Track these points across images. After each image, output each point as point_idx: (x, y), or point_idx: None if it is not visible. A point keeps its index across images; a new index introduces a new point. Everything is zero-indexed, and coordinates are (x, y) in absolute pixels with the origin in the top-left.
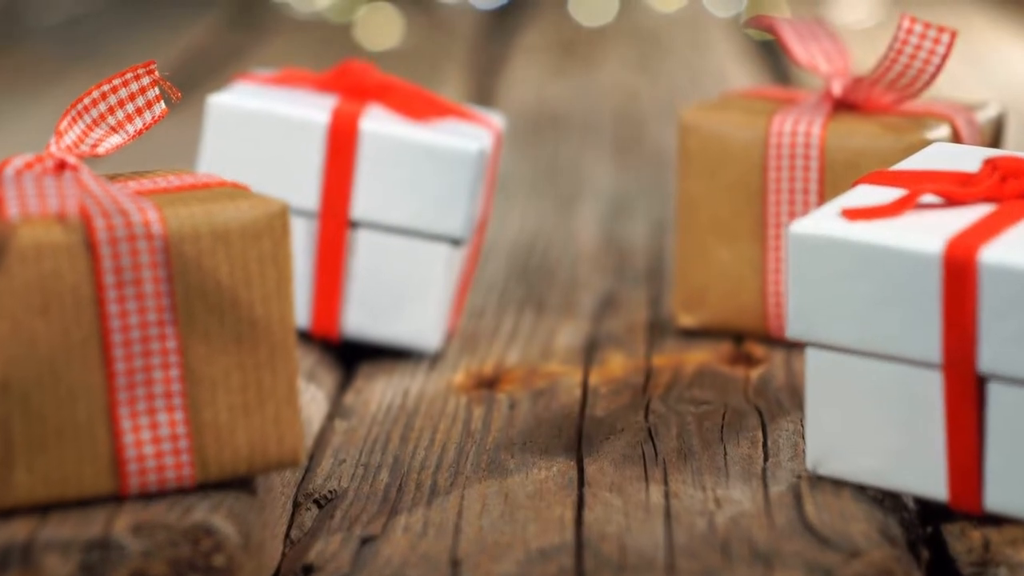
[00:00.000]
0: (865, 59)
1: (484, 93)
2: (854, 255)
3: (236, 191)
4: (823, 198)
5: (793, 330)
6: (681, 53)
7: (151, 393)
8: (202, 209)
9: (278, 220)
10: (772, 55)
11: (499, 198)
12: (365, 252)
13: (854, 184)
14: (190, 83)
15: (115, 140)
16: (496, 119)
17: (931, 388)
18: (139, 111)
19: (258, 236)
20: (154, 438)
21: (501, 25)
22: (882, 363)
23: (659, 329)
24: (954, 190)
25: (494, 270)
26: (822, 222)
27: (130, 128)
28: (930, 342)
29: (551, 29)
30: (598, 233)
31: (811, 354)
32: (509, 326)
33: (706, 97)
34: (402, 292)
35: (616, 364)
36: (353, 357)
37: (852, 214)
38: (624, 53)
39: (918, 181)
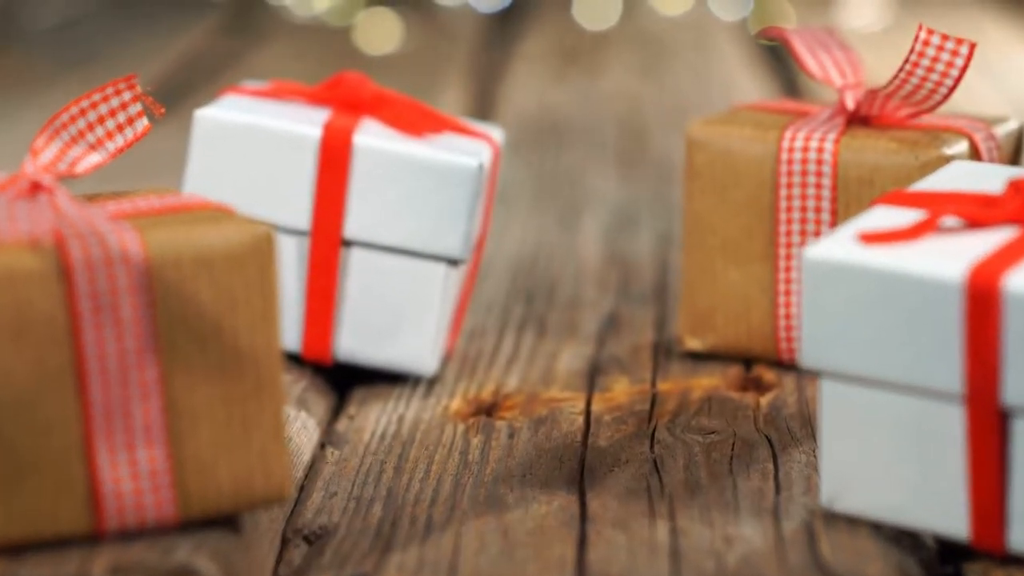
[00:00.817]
0: (872, 65)
1: (485, 99)
2: (871, 282)
3: (220, 213)
4: (836, 216)
5: (807, 359)
6: (686, 58)
7: (130, 426)
8: (184, 233)
9: (264, 244)
10: (779, 60)
11: (499, 210)
12: (359, 272)
13: (870, 204)
14: (185, 89)
15: (94, 159)
16: (495, 133)
17: (952, 421)
18: (120, 128)
19: (243, 261)
20: (133, 473)
21: (502, 29)
22: (901, 395)
23: (665, 352)
24: (976, 212)
25: (493, 287)
26: (838, 247)
27: (110, 146)
28: (951, 373)
29: (553, 33)
30: (601, 247)
31: (826, 385)
32: (508, 348)
33: (712, 104)
34: (397, 314)
35: (620, 390)
36: (346, 381)
37: (869, 238)
38: (628, 58)
39: (938, 202)
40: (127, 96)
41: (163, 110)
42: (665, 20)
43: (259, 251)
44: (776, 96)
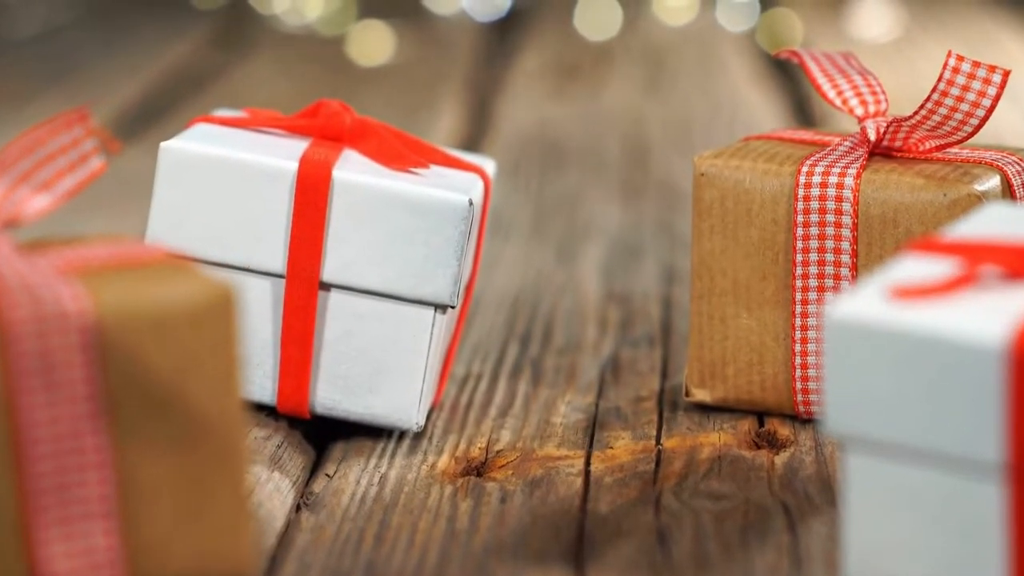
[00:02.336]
0: (885, 77)
1: (482, 113)
2: (903, 346)
3: (179, 267)
4: (857, 258)
5: (831, 426)
6: (692, 73)
7: (75, 502)
8: (137, 290)
9: (224, 303)
10: (788, 75)
11: (492, 240)
12: (338, 318)
13: (897, 250)
14: (170, 104)
15: (42, 201)
16: (487, 165)
17: (989, 499)
18: (71, 167)
19: (201, 322)
20: (78, 554)
21: (501, 39)
22: (933, 469)
23: (670, 403)
24: (1017, 264)
25: (485, 327)
26: (865, 305)
27: (60, 187)
28: (989, 446)
29: (553, 44)
30: (601, 282)
31: (851, 457)
32: (501, 397)
33: (719, 122)
34: (380, 364)
35: (622, 447)
36: (324, 436)
37: (900, 294)
38: (630, 72)
39: (974, 252)
40: (79, 131)
41: (119, 146)
42: (669, 31)
43: (219, 310)
44: (786, 113)
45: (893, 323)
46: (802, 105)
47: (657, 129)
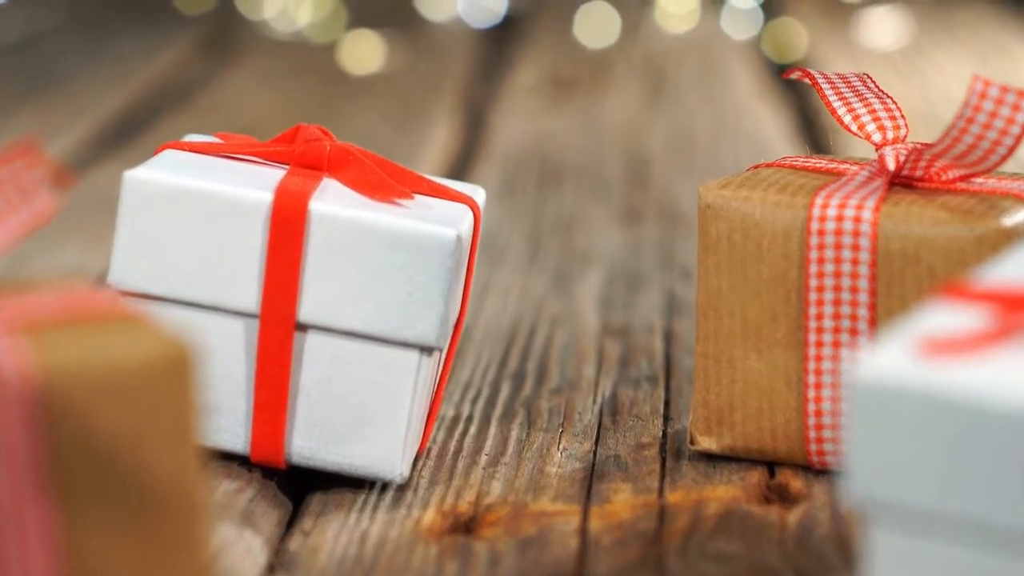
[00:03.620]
0: (895, 89)
1: (475, 128)
2: (937, 409)
3: (132, 320)
4: (876, 297)
5: (855, 494)
6: (694, 84)
7: None
8: (86, 347)
9: (180, 363)
10: (794, 88)
11: (484, 267)
12: (316, 361)
13: (920, 290)
14: (155, 116)
15: None
16: (477, 194)
17: None
18: (12, 206)
19: (154, 383)
20: None
21: (497, 46)
22: (970, 546)
23: (674, 451)
24: None
25: (476, 363)
26: (893, 362)
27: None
28: None
29: (550, 52)
30: (599, 313)
31: (877, 530)
32: (492, 442)
33: (724, 137)
34: (361, 410)
35: (622, 501)
36: (301, 488)
37: (932, 348)
38: (631, 83)
39: (1011, 302)
40: (20, 165)
41: (70, 180)
42: (671, 39)
43: (174, 369)
44: (794, 128)
45: (925, 384)
46: (810, 119)
47: (658, 145)
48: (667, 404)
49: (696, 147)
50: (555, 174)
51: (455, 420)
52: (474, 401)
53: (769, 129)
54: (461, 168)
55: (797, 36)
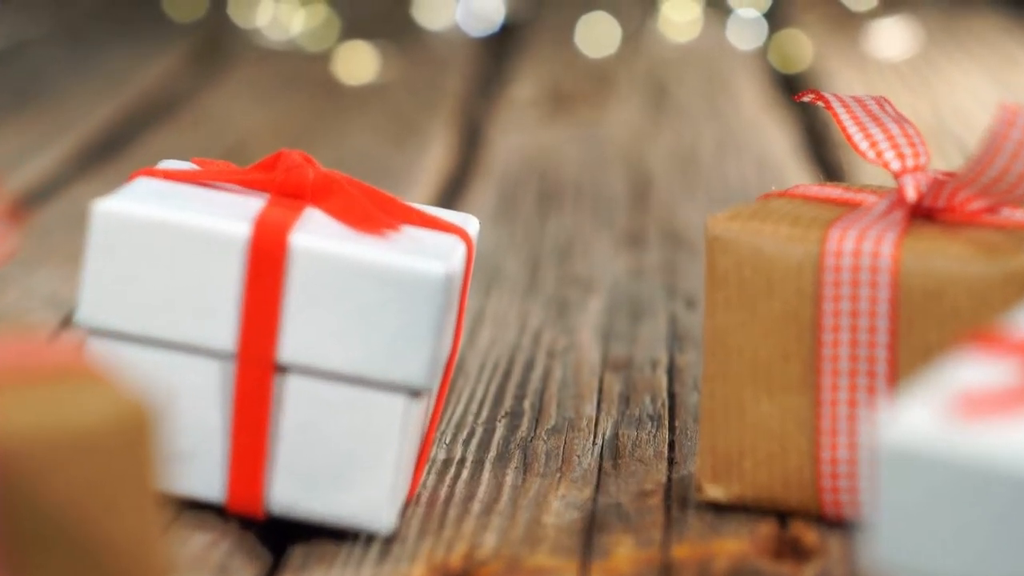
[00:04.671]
0: (902, 99)
1: (472, 141)
2: (970, 477)
3: (90, 378)
4: (896, 338)
5: (877, 559)
6: (698, 97)
7: None
8: (39, 410)
9: (138, 425)
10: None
11: (478, 295)
12: (297, 405)
13: (943, 331)
14: (144, 130)
15: None
16: (469, 224)
17: None
18: None
19: (111, 448)
20: None
21: (496, 56)
22: None
23: (679, 498)
24: None
25: (468, 402)
26: (922, 423)
27: None
28: None
29: (550, 63)
30: (600, 345)
31: None
32: (486, 489)
33: (729, 154)
34: (346, 457)
35: (624, 555)
36: (281, 540)
37: (962, 408)
38: (633, 95)
39: None
40: None
41: (24, 219)
42: (674, 48)
43: (132, 433)
44: (801, 142)
45: (957, 451)
46: (819, 133)
47: (661, 161)
48: (671, 446)
49: (700, 164)
50: (554, 193)
51: (447, 463)
52: (467, 442)
53: (776, 144)
54: (457, 187)
55: (803, 47)
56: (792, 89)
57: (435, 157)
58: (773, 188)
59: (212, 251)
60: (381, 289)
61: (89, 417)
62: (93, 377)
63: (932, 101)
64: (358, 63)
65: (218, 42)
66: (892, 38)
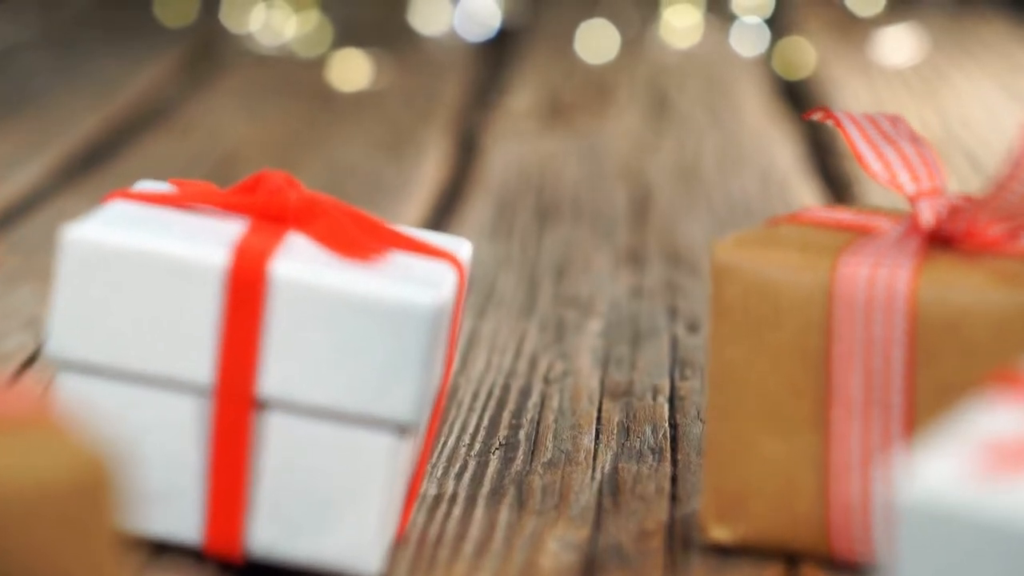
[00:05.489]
0: (908, 108)
1: (466, 157)
2: (996, 536)
3: (47, 430)
4: (914, 372)
5: None
6: (700, 107)
7: None
8: None
9: (97, 483)
10: (805, 109)
11: (470, 317)
12: (278, 442)
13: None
14: (131, 140)
15: None
16: (461, 248)
17: None
18: None
19: (65, 505)
20: None
21: (494, 63)
22: None
23: (682, 538)
24: None
25: (460, 432)
26: (948, 479)
27: None
28: None
29: (548, 70)
30: (599, 370)
31: None
32: (478, 528)
33: (732, 166)
34: (330, 497)
35: None
36: None
37: (990, 461)
38: (633, 105)
39: None
40: None
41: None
42: (675, 54)
43: (89, 491)
44: (806, 152)
45: (987, 511)
46: (824, 143)
47: (661, 175)
48: (674, 481)
49: (702, 176)
50: (552, 207)
51: (438, 500)
52: (459, 476)
53: (780, 155)
54: (452, 200)
55: (807, 53)
56: (796, 97)
57: (430, 169)
58: (780, 213)
59: (188, 280)
60: (366, 321)
61: (44, 473)
62: (51, 428)
63: (939, 109)
64: (352, 69)
65: (209, 48)
66: (898, 45)
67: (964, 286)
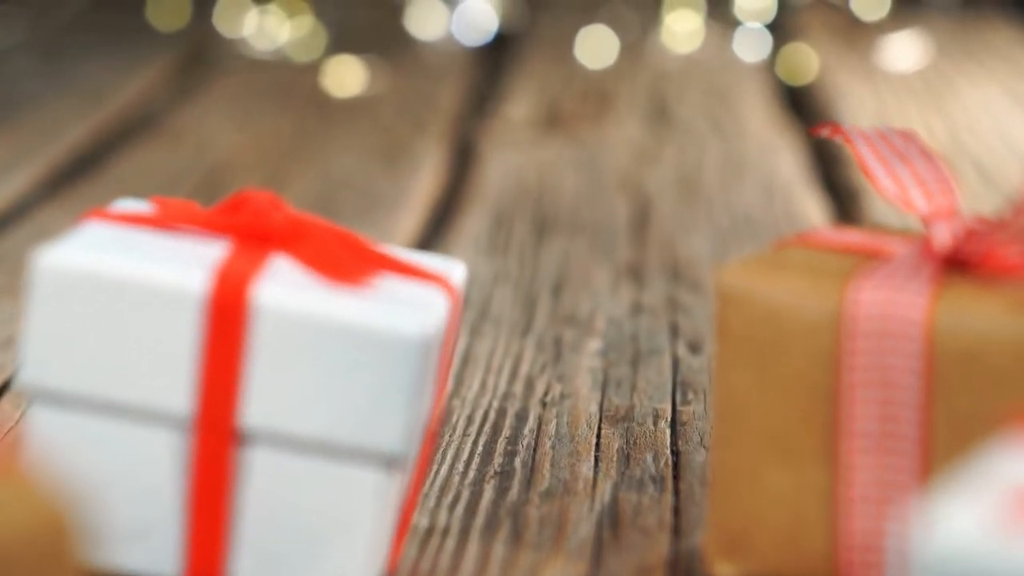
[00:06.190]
0: (905, 110)
1: (462, 166)
2: None
3: (8, 480)
4: (930, 404)
5: None
6: (702, 114)
7: None
8: None
9: (57, 537)
10: (809, 117)
11: (465, 335)
12: (261, 476)
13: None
14: (121, 147)
15: None
16: (454, 271)
17: None
18: None
19: (24, 563)
20: None
21: (491, 69)
22: None
23: (685, 573)
24: None
25: (453, 459)
26: (969, 531)
27: None
28: None
29: (547, 76)
30: (598, 393)
31: None
32: (472, 562)
33: (734, 177)
34: (315, 534)
35: None
36: None
37: (1017, 510)
38: (633, 112)
39: None
40: None
41: None
42: (676, 60)
43: (48, 546)
44: (810, 162)
45: (1018, 566)
46: (828, 152)
47: (662, 185)
48: (676, 512)
49: (704, 187)
50: (550, 220)
51: (429, 532)
52: (452, 507)
53: (783, 164)
54: (447, 212)
55: (810, 59)
56: (799, 104)
57: (425, 179)
58: (784, 224)
59: (166, 307)
60: (353, 350)
61: (2, 529)
62: (11, 479)
63: (945, 116)
64: (346, 75)
65: (202, 53)
66: (903, 50)
67: (982, 313)
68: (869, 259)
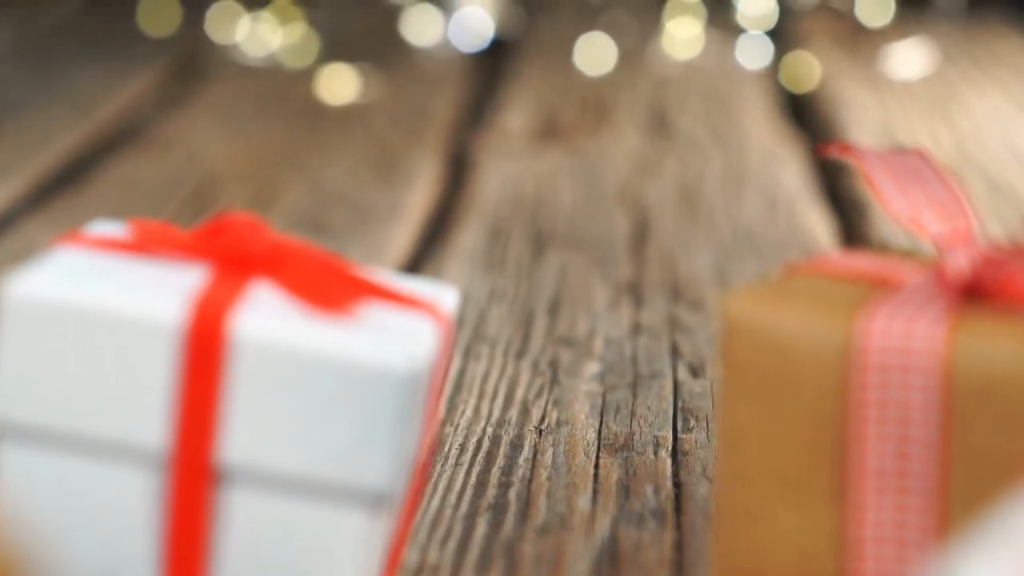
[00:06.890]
0: (909, 120)
1: (457, 176)
2: None
3: None
4: (947, 442)
5: None
6: (703, 125)
7: None
8: None
9: None
10: (812, 126)
11: (459, 357)
12: (241, 517)
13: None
14: (109, 156)
15: None
16: (444, 297)
17: None
18: None
19: None
20: None
21: (484, 79)
22: None
23: None
24: None
25: (445, 492)
26: None
27: None
28: None
29: (545, 83)
30: (596, 420)
31: None
32: None
33: (736, 188)
34: (297, 574)
35: None
36: None
37: None
38: (633, 121)
39: None
40: None
41: None
42: (676, 67)
43: None
44: (814, 172)
45: None
46: (831, 161)
47: (663, 197)
48: (678, 549)
49: (705, 201)
50: (547, 235)
51: (420, 569)
52: (443, 543)
53: (786, 175)
54: (441, 226)
55: (812, 67)
56: (802, 112)
57: (419, 191)
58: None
59: (140, 338)
60: (336, 384)
61: None
62: None
63: (950, 124)
64: (340, 83)
65: (194, 59)
66: (907, 58)
67: (1002, 346)
68: (881, 287)
